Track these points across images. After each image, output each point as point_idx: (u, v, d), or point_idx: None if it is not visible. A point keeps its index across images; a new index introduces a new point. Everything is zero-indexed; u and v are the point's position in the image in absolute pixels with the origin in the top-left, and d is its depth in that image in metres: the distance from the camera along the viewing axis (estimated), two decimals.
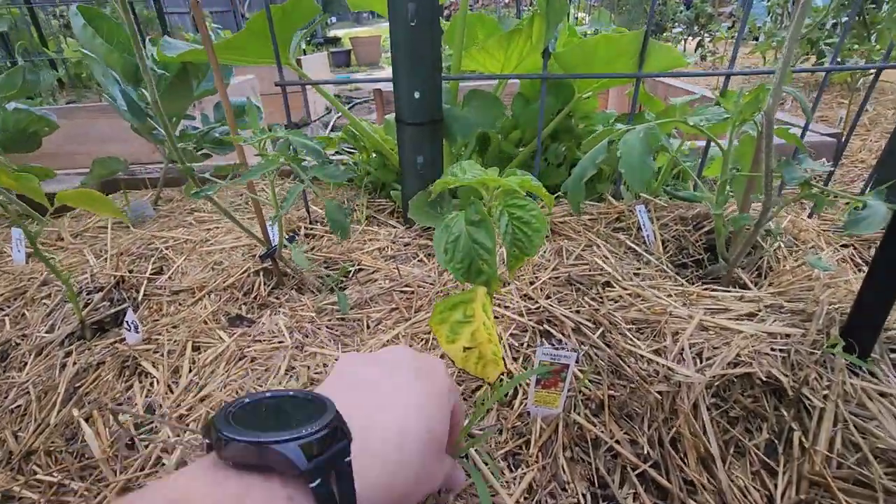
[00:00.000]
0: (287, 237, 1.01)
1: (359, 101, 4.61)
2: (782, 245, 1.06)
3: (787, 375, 0.72)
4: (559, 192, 1.47)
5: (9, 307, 1.03)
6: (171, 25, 4.66)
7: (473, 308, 0.59)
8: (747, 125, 0.87)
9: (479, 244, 0.55)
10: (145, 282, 1.09)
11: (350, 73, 7.21)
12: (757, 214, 0.85)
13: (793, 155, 1.18)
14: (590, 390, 0.77)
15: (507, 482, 0.66)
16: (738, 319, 0.82)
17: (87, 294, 1.04)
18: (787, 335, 0.77)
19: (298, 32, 1.24)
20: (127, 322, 0.89)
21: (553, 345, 0.86)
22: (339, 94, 5.54)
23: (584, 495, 0.65)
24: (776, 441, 0.70)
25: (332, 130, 3.93)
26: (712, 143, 1.26)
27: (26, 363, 0.90)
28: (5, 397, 0.84)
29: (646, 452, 0.69)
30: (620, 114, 1.29)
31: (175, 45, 1.20)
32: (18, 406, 0.82)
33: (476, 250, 0.55)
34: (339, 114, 4.19)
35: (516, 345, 0.85)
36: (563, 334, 0.87)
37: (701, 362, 0.75)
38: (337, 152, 1.91)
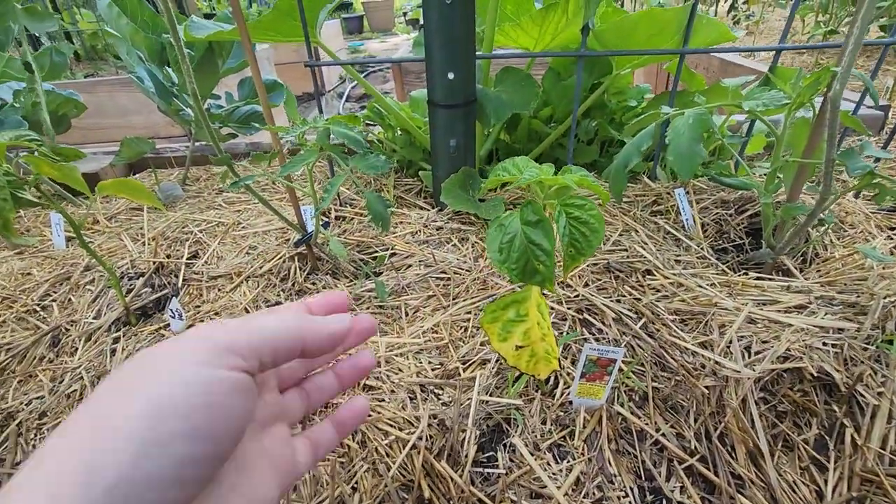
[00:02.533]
0: (322, 223, 1.00)
1: (374, 69, 4.51)
2: (829, 231, 1.03)
3: (839, 371, 0.71)
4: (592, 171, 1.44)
5: (55, 292, 1.06)
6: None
7: (527, 307, 0.59)
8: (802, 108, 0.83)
9: (536, 244, 0.54)
10: (183, 267, 1.10)
11: (363, 39, 7.05)
12: (802, 198, 0.83)
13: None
14: (633, 382, 0.77)
15: (553, 475, 0.67)
16: (787, 312, 0.80)
17: (129, 280, 1.06)
18: (840, 329, 0.75)
19: (325, 9, 1.20)
20: (171, 310, 0.91)
21: (594, 335, 0.85)
22: (352, 62, 5.43)
23: (631, 489, 0.65)
24: (826, 437, 0.69)
25: (346, 100, 3.87)
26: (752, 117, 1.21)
27: (77, 348, 0.93)
28: (61, 382, 0.87)
29: (693, 446, 0.69)
30: (660, 93, 1.24)
31: (202, 25, 1.17)
32: (74, 391, 0.85)
33: (532, 251, 0.54)
34: (354, 83, 4.12)
35: (556, 334, 0.85)
36: (603, 324, 0.87)
37: (749, 356, 0.74)
38: (361, 130, 1.89)
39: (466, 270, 1.02)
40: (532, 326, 0.59)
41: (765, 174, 1.34)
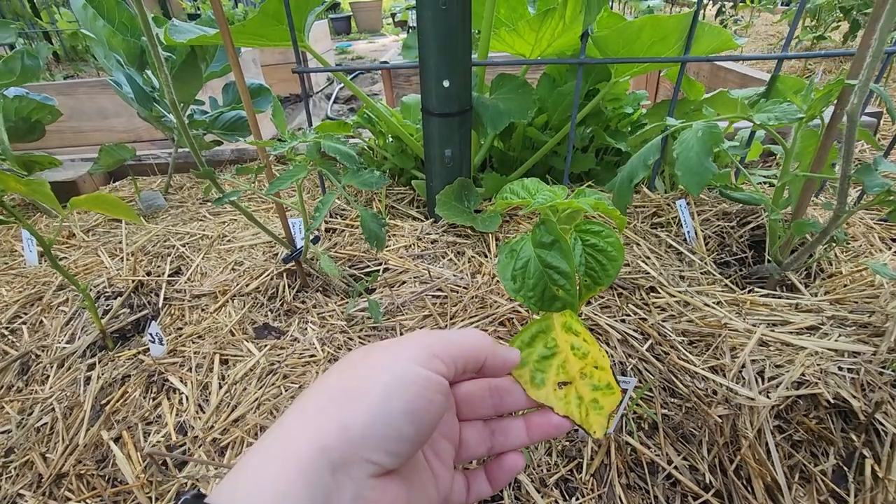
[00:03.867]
0: (311, 238, 0.95)
1: (361, 71, 4.45)
2: (837, 245, 1.00)
3: (856, 397, 0.68)
4: (588, 182, 1.41)
5: (26, 314, 0.99)
6: None
7: (555, 337, 0.48)
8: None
9: (553, 268, 0.49)
10: (164, 284, 1.04)
11: (351, 40, 6.97)
12: (807, 210, 0.80)
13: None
14: (643, 409, 0.73)
15: None
16: (799, 334, 0.77)
17: (106, 300, 1.00)
18: (856, 353, 0.72)
19: (313, 12, 1.15)
20: (150, 334, 0.85)
21: None
22: (340, 63, 5.36)
23: None
24: (845, 467, 0.66)
25: (334, 102, 3.81)
26: (751, 125, 1.19)
27: (48, 376, 0.86)
28: (30, 414, 0.81)
29: (707, 480, 0.66)
30: (660, 101, 1.21)
31: (184, 29, 1.11)
32: (44, 424, 0.79)
33: (549, 275, 0.49)
34: (341, 85, 4.05)
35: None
36: (608, 345, 0.83)
37: (763, 382, 0.71)
38: (350, 136, 1.84)
39: (464, 287, 0.98)
40: (567, 357, 0.46)
41: (762, 183, 1.32)
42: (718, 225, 1.11)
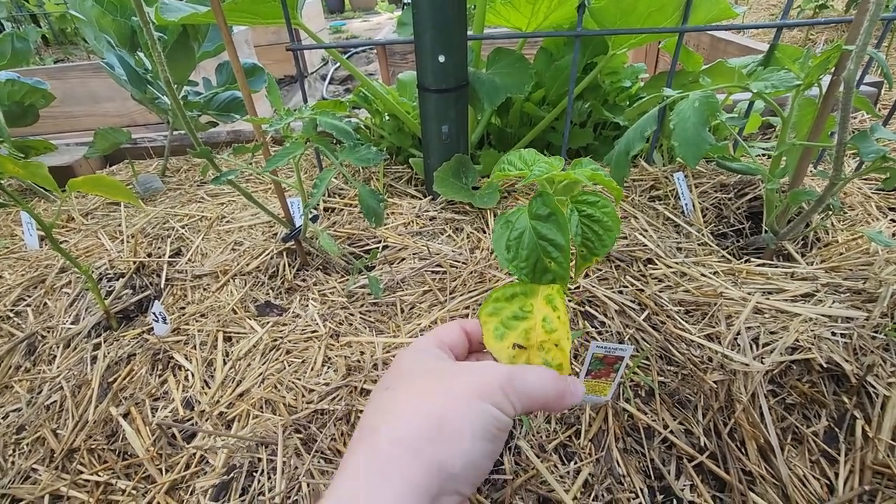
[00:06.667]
0: (311, 217, 0.96)
1: (356, 48, 4.38)
2: (833, 213, 1.01)
3: (849, 361, 0.69)
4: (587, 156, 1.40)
5: (30, 297, 1.00)
6: None
7: (532, 302, 0.50)
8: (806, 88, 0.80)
9: (548, 240, 0.49)
10: (165, 266, 1.05)
11: (345, 18, 6.84)
12: (804, 180, 0.80)
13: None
14: (639, 377, 0.75)
15: (560, 477, 0.65)
16: (794, 301, 0.78)
17: (108, 281, 1.01)
18: (849, 318, 0.73)
19: None
20: (154, 313, 0.86)
21: (596, 328, 0.83)
22: (337, 45, 5.27)
23: (641, 489, 0.64)
24: (836, 429, 0.68)
25: (329, 83, 3.76)
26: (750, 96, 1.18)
27: (55, 357, 0.88)
28: (38, 392, 0.83)
29: (702, 443, 0.68)
30: (658, 73, 1.20)
31: (175, 7, 1.10)
32: (53, 402, 0.81)
33: (543, 247, 0.50)
34: (337, 64, 4.00)
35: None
36: (605, 316, 0.84)
37: (758, 348, 0.72)
38: (347, 116, 1.82)
39: (463, 263, 0.99)
40: (535, 325, 0.50)
41: (761, 155, 1.32)
42: (716, 197, 1.11)
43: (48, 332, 0.92)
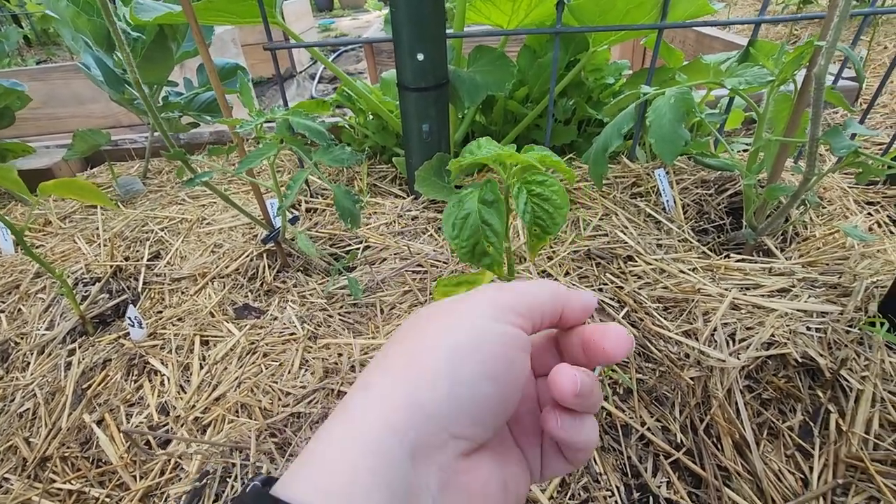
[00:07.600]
0: (289, 218, 0.95)
1: (345, 49, 4.35)
2: (809, 208, 1.02)
3: (823, 356, 0.70)
4: (570, 155, 1.40)
5: (3, 303, 0.98)
6: None
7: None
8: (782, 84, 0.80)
9: (489, 225, 0.52)
10: (143, 269, 1.04)
11: (334, 16, 6.81)
12: (781, 175, 0.80)
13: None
14: (618, 375, 0.74)
15: None
16: (770, 296, 0.78)
17: (84, 286, 0.99)
18: (824, 313, 0.74)
19: None
20: (129, 318, 0.85)
21: None
22: (317, 44, 5.23)
23: (617, 487, 0.64)
24: (811, 423, 0.68)
25: (319, 82, 3.73)
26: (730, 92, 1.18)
27: (29, 363, 0.86)
28: (11, 400, 0.81)
29: (678, 440, 0.68)
30: (639, 70, 1.20)
31: (150, 7, 1.08)
32: (26, 410, 0.80)
33: (484, 231, 0.52)
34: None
35: None
36: None
37: (734, 344, 0.72)
38: (331, 115, 1.81)
39: (443, 262, 0.98)
40: None
41: (744, 151, 1.33)
42: (697, 193, 1.12)
43: (22, 338, 0.90)
